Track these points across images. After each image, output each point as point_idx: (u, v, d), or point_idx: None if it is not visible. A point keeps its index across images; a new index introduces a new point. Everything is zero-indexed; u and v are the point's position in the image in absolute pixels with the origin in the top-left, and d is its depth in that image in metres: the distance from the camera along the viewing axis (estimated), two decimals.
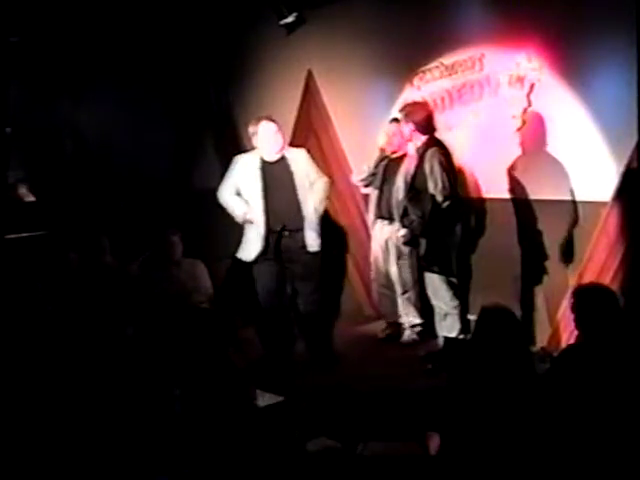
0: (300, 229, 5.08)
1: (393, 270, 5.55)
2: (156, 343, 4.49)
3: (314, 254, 5.10)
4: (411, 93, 5.86)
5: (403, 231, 5.11)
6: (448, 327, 5.04)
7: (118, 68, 7.10)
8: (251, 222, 5.09)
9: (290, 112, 6.51)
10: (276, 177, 5.10)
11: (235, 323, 3.36)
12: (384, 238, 5.55)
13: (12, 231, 6.13)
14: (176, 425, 2.69)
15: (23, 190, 6.88)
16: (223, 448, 2.51)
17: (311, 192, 5.09)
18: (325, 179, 5.24)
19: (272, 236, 5.07)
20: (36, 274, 5.53)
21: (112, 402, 3.47)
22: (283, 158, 5.15)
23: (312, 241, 5.08)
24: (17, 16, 6.41)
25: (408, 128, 5.07)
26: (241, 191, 5.15)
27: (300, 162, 5.16)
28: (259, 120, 5.17)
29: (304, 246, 5.07)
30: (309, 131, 6.46)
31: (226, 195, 5.22)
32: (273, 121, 5.16)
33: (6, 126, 6.53)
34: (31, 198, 6.88)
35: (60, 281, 5.37)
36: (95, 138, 7.12)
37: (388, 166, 5.49)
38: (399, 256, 5.48)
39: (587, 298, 3.29)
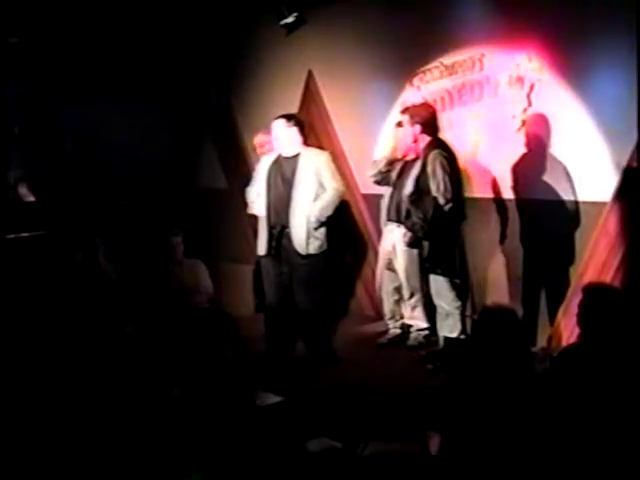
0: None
1: (401, 274, 5.38)
2: (156, 342, 4.49)
3: (309, 256, 5.03)
4: (411, 93, 5.87)
5: (407, 233, 5.10)
6: (449, 327, 5.04)
7: (119, 68, 7.11)
8: (257, 215, 5.18)
9: (291, 112, 6.52)
10: (282, 173, 5.11)
11: (235, 323, 3.36)
12: (393, 241, 5.37)
13: (12, 231, 6.14)
14: (175, 425, 2.69)
15: (23, 190, 6.89)
16: (223, 448, 2.51)
17: (316, 197, 5.02)
18: (337, 188, 5.09)
19: (273, 233, 5.08)
20: (37, 274, 5.54)
21: (111, 401, 3.47)
22: (297, 155, 5.12)
23: (299, 244, 5.01)
24: (17, 16, 6.41)
25: (413, 130, 5.07)
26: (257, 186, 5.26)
27: (311, 162, 5.07)
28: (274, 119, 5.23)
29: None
30: (309, 131, 6.45)
31: (247, 189, 5.33)
32: (285, 117, 5.19)
33: (6, 126, 6.54)
34: (31, 198, 6.89)
35: (64, 280, 5.39)
36: (95, 138, 7.13)
37: (402, 169, 5.28)
38: (408, 260, 5.28)
39: (596, 297, 3.28)
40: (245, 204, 5.60)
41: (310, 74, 6.60)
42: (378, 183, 5.46)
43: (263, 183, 5.15)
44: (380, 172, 5.37)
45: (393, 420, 3.73)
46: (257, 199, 5.22)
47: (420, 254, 5.10)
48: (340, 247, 5.87)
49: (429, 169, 4.93)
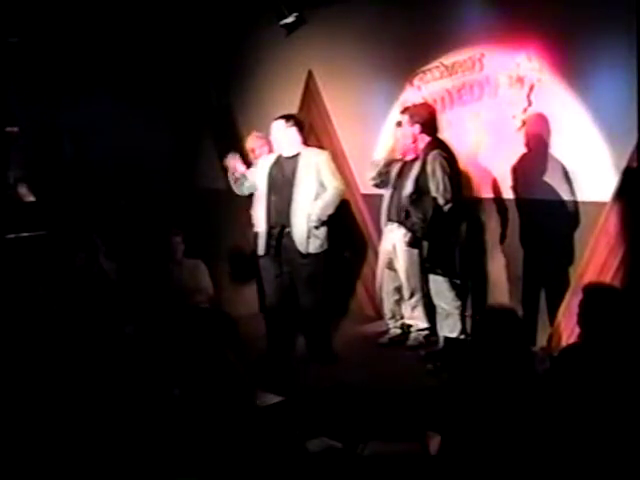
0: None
1: (402, 274, 5.37)
2: (156, 343, 4.49)
3: (310, 255, 5.04)
4: (411, 93, 5.87)
5: (407, 233, 5.10)
6: (449, 327, 5.05)
7: (119, 68, 7.10)
8: (256, 215, 5.20)
9: (290, 112, 6.51)
10: (283, 174, 5.11)
11: (235, 323, 3.36)
12: (393, 241, 5.36)
13: (12, 231, 6.13)
14: (175, 425, 2.69)
15: (23, 190, 6.88)
16: (223, 448, 2.51)
17: (317, 197, 5.02)
18: (337, 186, 5.09)
19: (273, 233, 5.08)
20: (37, 274, 5.54)
21: (111, 401, 3.47)
22: (297, 155, 5.12)
23: (300, 243, 5.02)
24: (17, 16, 6.41)
25: (413, 130, 5.06)
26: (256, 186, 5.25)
27: (312, 161, 5.07)
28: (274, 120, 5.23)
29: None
30: (309, 131, 6.46)
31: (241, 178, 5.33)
32: (283, 118, 5.19)
33: (5, 126, 6.54)
34: (31, 198, 6.88)
35: (64, 281, 5.39)
36: (95, 138, 7.12)
37: (401, 169, 5.27)
38: (408, 260, 5.27)
39: (596, 297, 3.28)
40: (245, 204, 5.60)
41: (310, 74, 6.59)
42: (377, 186, 5.47)
43: (264, 183, 5.15)
44: (379, 173, 5.37)
45: (393, 420, 3.73)
46: (257, 199, 5.23)
47: (420, 254, 5.10)
48: (340, 247, 5.87)
49: (429, 169, 4.94)
